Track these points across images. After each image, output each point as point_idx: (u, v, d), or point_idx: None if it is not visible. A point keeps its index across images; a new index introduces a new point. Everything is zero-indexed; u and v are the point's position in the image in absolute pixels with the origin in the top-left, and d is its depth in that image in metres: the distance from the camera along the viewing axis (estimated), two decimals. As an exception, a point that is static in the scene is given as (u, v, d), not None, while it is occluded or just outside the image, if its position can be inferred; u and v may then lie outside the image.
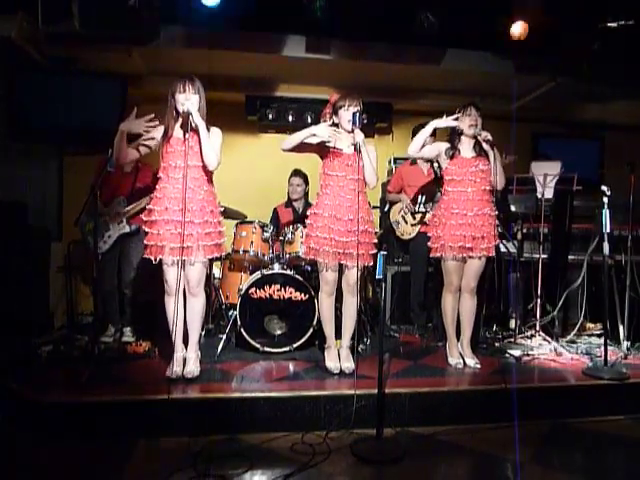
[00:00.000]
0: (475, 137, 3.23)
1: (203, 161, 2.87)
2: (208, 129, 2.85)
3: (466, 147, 3.29)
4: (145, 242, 2.90)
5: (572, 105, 5.07)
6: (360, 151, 2.98)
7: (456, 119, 3.22)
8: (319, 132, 3.01)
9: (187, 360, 3.00)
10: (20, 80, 4.26)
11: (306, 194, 4.49)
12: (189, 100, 2.79)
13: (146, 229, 2.91)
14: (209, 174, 2.95)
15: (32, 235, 4.15)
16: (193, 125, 2.80)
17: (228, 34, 3.94)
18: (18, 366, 3.16)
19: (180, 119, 2.87)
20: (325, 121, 3.20)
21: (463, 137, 3.28)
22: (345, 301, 3.22)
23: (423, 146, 3.28)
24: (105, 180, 3.58)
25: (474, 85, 4.75)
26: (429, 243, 3.36)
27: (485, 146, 3.19)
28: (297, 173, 4.44)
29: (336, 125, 3.11)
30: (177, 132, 2.88)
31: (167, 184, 2.85)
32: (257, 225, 3.83)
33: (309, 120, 5.14)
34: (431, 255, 3.38)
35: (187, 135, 2.79)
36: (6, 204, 3.92)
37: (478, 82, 4.69)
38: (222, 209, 3.01)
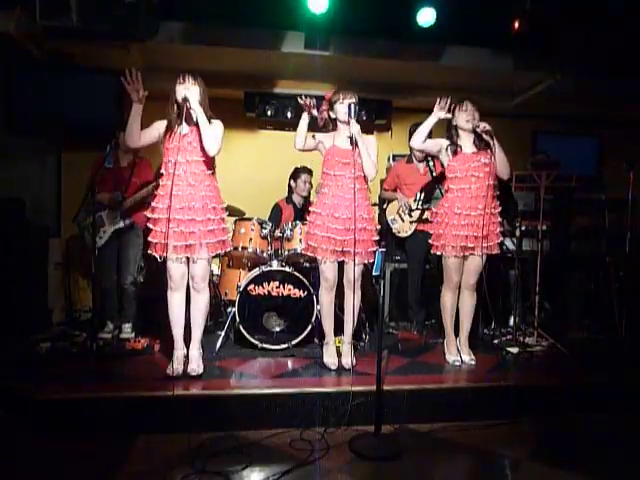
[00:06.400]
0: (474, 131, 3.20)
1: (204, 155, 2.86)
2: (210, 122, 2.83)
3: (466, 143, 3.26)
4: (149, 239, 2.91)
5: (572, 102, 5.06)
6: (357, 143, 2.96)
7: (449, 111, 3.13)
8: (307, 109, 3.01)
9: (190, 358, 3.00)
10: (18, 75, 4.24)
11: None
12: (188, 90, 2.78)
13: (150, 226, 2.91)
14: (211, 168, 2.93)
15: (30, 231, 4.14)
16: (192, 113, 2.78)
17: (227, 30, 3.93)
18: (16, 362, 3.16)
19: (180, 111, 2.85)
20: (322, 118, 3.19)
21: (462, 132, 3.26)
22: (346, 298, 3.23)
23: (426, 139, 3.19)
24: (103, 176, 3.57)
25: (474, 82, 4.73)
26: (430, 240, 3.36)
27: (485, 137, 3.17)
28: (305, 170, 4.41)
29: (334, 121, 3.11)
30: (177, 128, 2.86)
31: (168, 181, 2.83)
32: (256, 222, 3.82)
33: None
34: (432, 252, 3.37)
35: (186, 124, 2.78)
36: (4, 200, 3.91)
37: (478, 79, 4.67)
38: (225, 205, 3.01)
